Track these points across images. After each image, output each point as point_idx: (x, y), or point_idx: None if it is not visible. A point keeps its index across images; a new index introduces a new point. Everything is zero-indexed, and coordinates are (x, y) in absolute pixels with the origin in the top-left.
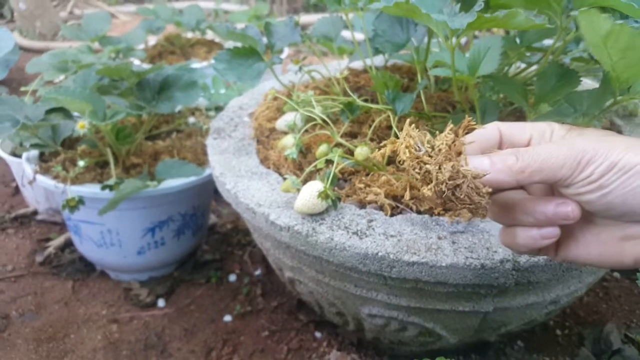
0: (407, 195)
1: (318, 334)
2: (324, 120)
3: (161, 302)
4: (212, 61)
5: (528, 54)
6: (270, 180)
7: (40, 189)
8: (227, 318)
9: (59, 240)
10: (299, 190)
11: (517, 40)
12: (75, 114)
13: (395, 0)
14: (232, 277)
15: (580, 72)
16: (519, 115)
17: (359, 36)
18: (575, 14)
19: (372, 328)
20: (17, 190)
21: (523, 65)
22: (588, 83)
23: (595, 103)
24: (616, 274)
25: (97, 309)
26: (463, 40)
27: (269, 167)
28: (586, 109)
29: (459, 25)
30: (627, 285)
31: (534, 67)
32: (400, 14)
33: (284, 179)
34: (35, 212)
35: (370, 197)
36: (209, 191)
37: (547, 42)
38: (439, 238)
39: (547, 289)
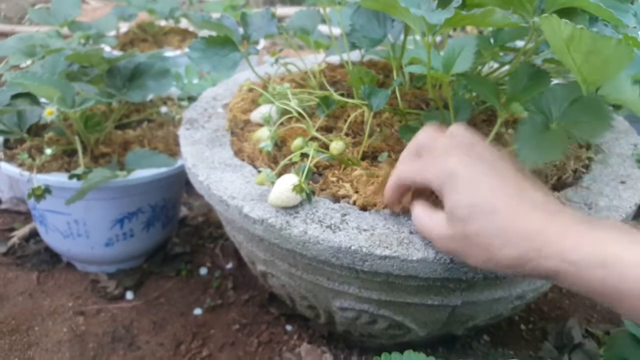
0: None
1: (289, 327)
2: (299, 114)
3: (129, 295)
4: (187, 50)
5: (501, 53)
6: (244, 173)
7: (4, 177)
8: (197, 311)
9: (23, 230)
10: (273, 183)
11: (491, 40)
12: (43, 100)
13: None
14: (203, 270)
15: (551, 73)
16: (490, 114)
17: (336, 30)
18: (536, 20)
19: (343, 321)
20: None
21: (496, 65)
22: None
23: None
24: None
25: (62, 301)
26: (438, 39)
27: (243, 160)
28: (559, 115)
29: (436, 21)
30: None
31: (507, 67)
32: (378, 8)
33: (259, 171)
34: None
35: (344, 191)
36: (180, 183)
37: (520, 43)
38: (411, 233)
39: (514, 284)
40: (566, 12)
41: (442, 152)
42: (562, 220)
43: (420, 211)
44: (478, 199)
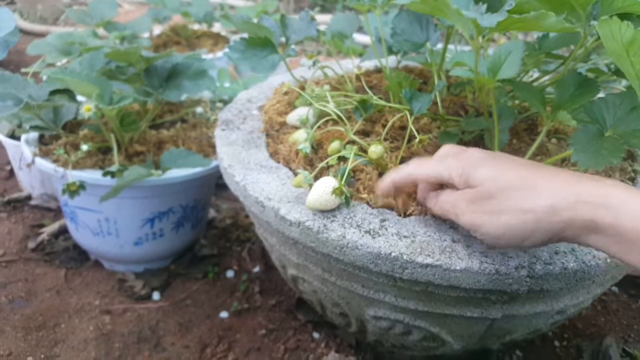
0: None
1: (316, 335)
2: (338, 116)
3: (156, 295)
4: (226, 50)
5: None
6: (280, 175)
7: (36, 173)
8: (224, 314)
9: (52, 227)
10: (310, 185)
11: (536, 47)
12: (79, 98)
13: None
14: (230, 273)
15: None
16: (530, 123)
17: (369, 38)
18: (595, 23)
19: (375, 330)
20: (11, 173)
21: (537, 74)
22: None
23: (622, 117)
24: (614, 288)
25: (89, 299)
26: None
27: (278, 161)
28: (613, 124)
29: (488, 24)
30: (625, 300)
31: (548, 76)
32: (426, 11)
33: (295, 173)
34: (29, 197)
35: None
36: (210, 184)
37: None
38: (454, 241)
39: (557, 299)
40: (621, 18)
41: (465, 151)
42: (594, 177)
43: (447, 192)
44: (505, 170)
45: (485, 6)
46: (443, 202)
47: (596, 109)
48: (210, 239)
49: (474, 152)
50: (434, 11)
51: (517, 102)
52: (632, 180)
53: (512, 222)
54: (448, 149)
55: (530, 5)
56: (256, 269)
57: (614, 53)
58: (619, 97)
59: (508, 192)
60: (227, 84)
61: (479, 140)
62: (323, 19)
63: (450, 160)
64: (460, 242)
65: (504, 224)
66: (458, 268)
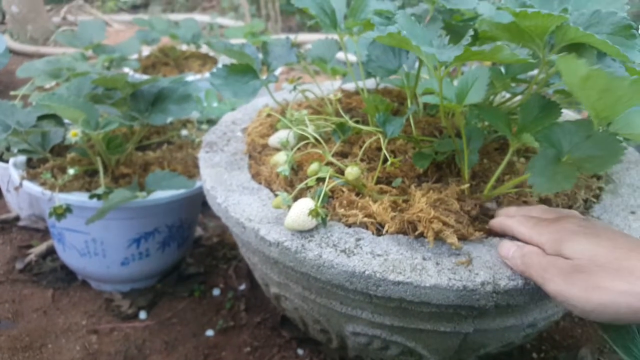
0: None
1: (300, 351)
2: (316, 139)
3: (143, 314)
4: (208, 75)
5: (513, 84)
6: (261, 196)
7: (24, 195)
8: (209, 333)
9: (40, 248)
10: (289, 206)
11: (503, 71)
12: (67, 121)
13: (388, 31)
14: (216, 291)
15: (562, 104)
16: (502, 142)
17: (352, 58)
18: (554, 57)
19: (355, 346)
20: None
21: (507, 95)
22: (570, 114)
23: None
24: None
25: (76, 319)
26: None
27: (260, 183)
28: (570, 149)
29: (446, 58)
30: None
31: (518, 98)
32: (392, 44)
33: (275, 195)
34: (17, 218)
35: (360, 218)
36: (196, 204)
37: (532, 73)
38: (424, 259)
39: (526, 312)
40: (575, 48)
41: (562, 219)
42: None
43: (535, 251)
44: (601, 247)
45: (447, 38)
46: (530, 262)
47: (554, 135)
48: (197, 257)
49: (571, 223)
50: (400, 44)
51: (487, 123)
52: (597, 197)
53: (605, 302)
54: (545, 213)
55: (494, 34)
56: (242, 287)
57: (571, 85)
58: (575, 124)
59: (604, 270)
60: (214, 104)
61: (451, 161)
62: (310, 38)
63: (544, 226)
64: (430, 260)
65: (597, 302)
66: (428, 285)
